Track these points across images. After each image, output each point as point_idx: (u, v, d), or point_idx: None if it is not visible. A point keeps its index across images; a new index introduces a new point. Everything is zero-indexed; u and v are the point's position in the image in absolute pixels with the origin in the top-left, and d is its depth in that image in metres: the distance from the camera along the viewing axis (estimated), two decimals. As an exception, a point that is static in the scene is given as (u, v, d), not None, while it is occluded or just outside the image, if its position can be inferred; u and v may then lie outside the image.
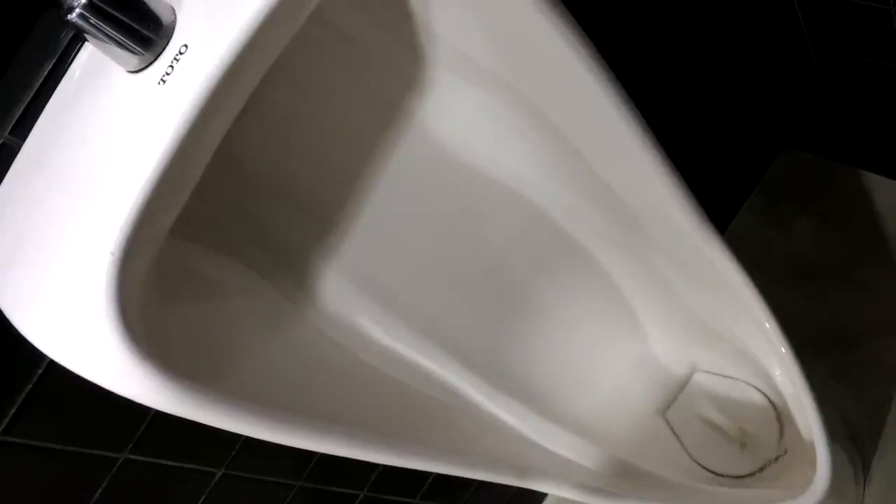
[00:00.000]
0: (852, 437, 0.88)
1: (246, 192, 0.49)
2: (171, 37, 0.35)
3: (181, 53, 0.35)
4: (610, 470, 0.75)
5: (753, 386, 0.84)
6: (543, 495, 1.01)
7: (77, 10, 0.34)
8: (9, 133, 0.41)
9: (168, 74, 0.35)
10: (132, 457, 0.57)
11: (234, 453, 0.63)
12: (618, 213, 0.68)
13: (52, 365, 0.49)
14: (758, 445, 0.82)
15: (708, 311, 0.78)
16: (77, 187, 0.37)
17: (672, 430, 0.87)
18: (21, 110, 0.41)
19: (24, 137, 0.41)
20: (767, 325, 0.63)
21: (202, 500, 0.64)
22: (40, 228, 0.37)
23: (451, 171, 0.59)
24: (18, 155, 0.41)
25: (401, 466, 0.50)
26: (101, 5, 0.34)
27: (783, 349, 0.67)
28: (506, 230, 0.66)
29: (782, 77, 0.90)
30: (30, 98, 0.41)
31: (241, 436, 0.63)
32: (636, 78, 0.80)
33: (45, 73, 0.41)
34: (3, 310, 0.37)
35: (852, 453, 0.87)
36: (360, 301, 0.57)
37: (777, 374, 0.73)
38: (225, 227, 0.48)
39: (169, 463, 0.60)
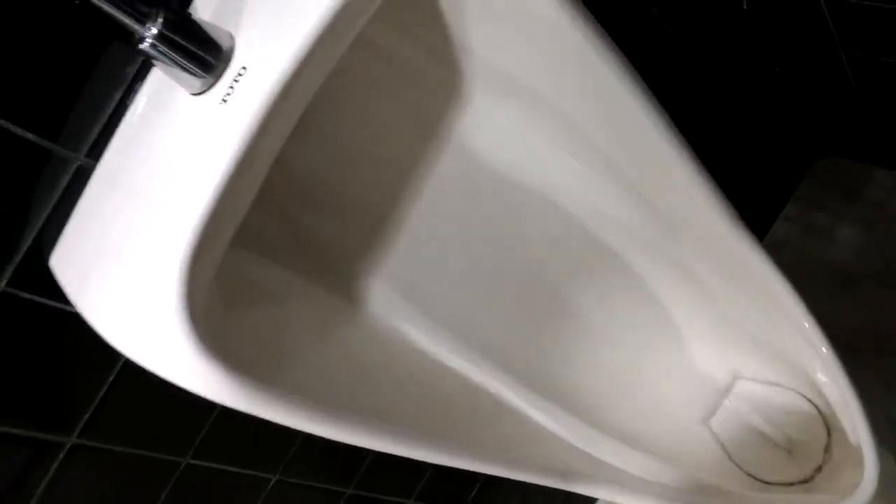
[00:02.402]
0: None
1: (299, 205, 0.53)
2: (230, 60, 0.39)
3: (240, 75, 0.38)
4: (656, 477, 0.75)
5: (797, 392, 0.84)
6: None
7: (148, 41, 0.37)
8: (84, 155, 0.45)
9: (229, 94, 0.38)
10: (193, 462, 0.60)
11: (288, 458, 0.66)
12: (653, 223, 0.69)
13: (122, 372, 0.53)
14: (805, 452, 0.81)
15: (748, 317, 0.78)
16: (148, 202, 0.40)
17: (716, 438, 0.87)
18: (95, 135, 0.45)
19: (97, 159, 0.45)
20: (807, 326, 0.64)
21: (258, 504, 0.67)
22: (116, 240, 0.41)
23: (489, 183, 0.61)
24: (93, 175, 0.45)
25: (444, 465, 0.51)
26: (170, 35, 0.37)
27: (825, 350, 0.67)
28: (544, 239, 0.68)
29: (816, 83, 0.91)
30: (103, 123, 0.45)
31: (294, 442, 0.66)
32: (673, 90, 0.81)
33: (116, 100, 0.45)
34: (84, 315, 0.41)
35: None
36: (404, 308, 0.59)
37: (820, 377, 0.73)
38: (280, 237, 0.51)
39: (227, 468, 0.63)
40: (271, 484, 0.67)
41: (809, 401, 0.83)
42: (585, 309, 0.77)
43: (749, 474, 0.83)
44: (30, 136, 0.43)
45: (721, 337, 0.83)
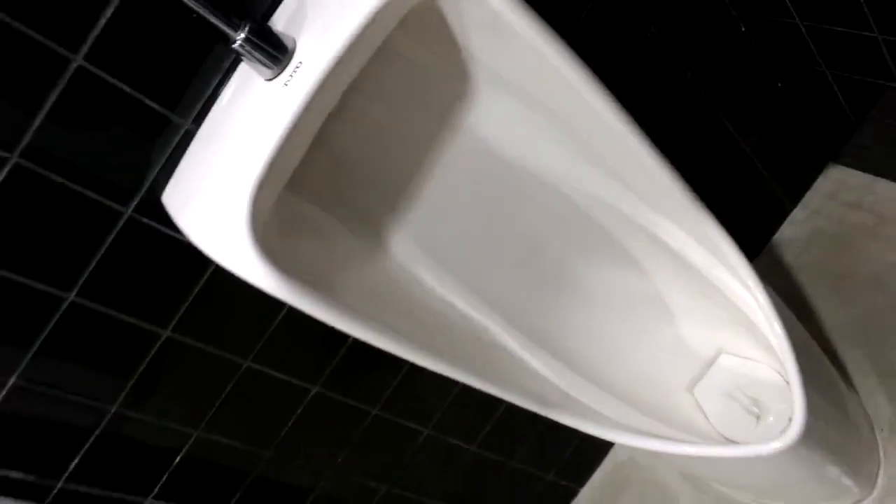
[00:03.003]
0: (871, 426, 0.96)
1: (340, 171, 0.70)
2: (292, 57, 0.56)
3: (297, 67, 0.56)
4: (633, 423, 0.88)
5: (770, 366, 0.95)
6: (610, 445, 1.15)
7: (238, 42, 0.55)
8: (191, 122, 0.64)
9: (289, 81, 0.56)
10: (252, 365, 0.79)
11: (328, 373, 0.83)
12: (637, 208, 0.82)
13: (205, 285, 0.71)
14: (771, 417, 0.93)
15: (729, 298, 0.90)
16: (231, 152, 0.58)
17: (698, 404, 0.99)
18: (199, 107, 0.64)
19: (199, 124, 0.63)
20: (764, 308, 0.75)
21: (300, 410, 0.84)
22: (208, 178, 0.59)
23: (494, 164, 0.76)
24: (196, 135, 0.63)
25: (446, 376, 0.66)
26: (254, 39, 0.55)
27: (778, 328, 0.77)
28: (543, 214, 0.82)
29: (813, 100, 1.02)
30: (205, 99, 0.63)
31: (333, 360, 0.83)
32: (696, 105, 0.94)
33: (215, 83, 0.63)
34: (183, 229, 0.59)
35: (871, 438, 0.95)
36: (422, 257, 0.76)
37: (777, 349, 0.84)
38: (326, 192, 0.69)
39: (277, 375, 0.81)
40: (311, 394, 0.84)
41: (780, 374, 0.94)
42: (583, 279, 0.91)
43: (723, 436, 0.95)
44: (156, 106, 0.62)
45: (709, 315, 0.95)
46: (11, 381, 0.66)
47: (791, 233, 1.15)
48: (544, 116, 0.72)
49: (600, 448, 1.17)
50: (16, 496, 0.72)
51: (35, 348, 0.66)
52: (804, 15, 0.83)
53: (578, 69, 0.62)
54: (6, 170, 0.58)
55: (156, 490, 0.80)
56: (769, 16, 0.87)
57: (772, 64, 0.98)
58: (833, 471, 0.87)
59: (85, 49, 0.57)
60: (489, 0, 0.55)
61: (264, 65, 0.57)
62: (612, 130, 0.68)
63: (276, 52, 0.56)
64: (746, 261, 0.77)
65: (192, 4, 0.53)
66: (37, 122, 0.58)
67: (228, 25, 0.55)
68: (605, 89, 0.64)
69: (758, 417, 0.94)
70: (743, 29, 0.94)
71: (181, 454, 0.79)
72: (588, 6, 0.81)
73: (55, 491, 0.74)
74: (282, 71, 0.57)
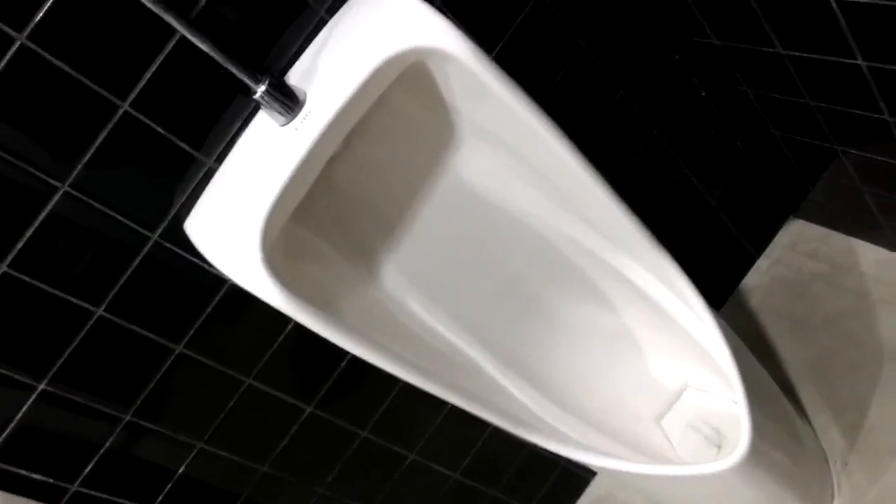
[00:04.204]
0: (826, 460, 1.03)
1: (341, 206, 0.80)
2: (302, 107, 0.67)
3: (306, 116, 0.66)
4: (601, 447, 0.95)
5: (731, 399, 1.03)
6: (588, 479, 1.21)
7: (259, 93, 0.66)
8: (214, 160, 0.74)
9: (299, 126, 0.66)
10: (255, 383, 0.87)
11: (322, 395, 0.91)
12: (606, 249, 0.91)
13: (216, 307, 0.80)
14: (732, 447, 1.00)
15: (690, 333, 0.98)
16: (248, 185, 0.68)
17: (665, 434, 1.06)
18: (222, 147, 0.74)
19: (221, 162, 0.73)
20: (711, 327, 0.83)
21: (294, 429, 0.92)
22: (226, 210, 0.69)
23: (478, 205, 0.86)
24: (217, 172, 0.73)
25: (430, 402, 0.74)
26: (272, 91, 0.66)
27: (732, 368, 0.84)
28: (521, 252, 0.92)
29: (771, 161, 1.13)
30: (227, 141, 0.74)
31: (330, 383, 0.91)
32: (667, 166, 1.04)
33: (236, 127, 0.74)
34: (204, 254, 0.68)
35: (825, 471, 1.02)
36: (410, 287, 0.85)
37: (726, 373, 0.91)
38: (327, 226, 0.78)
39: (276, 394, 0.89)
40: (305, 415, 0.92)
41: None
42: (559, 313, 0.99)
43: (686, 464, 1.02)
44: (184, 145, 0.72)
45: (674, 352, 1.03)
46: (41, 386, 0.74)
47: (755, 280, 1.24)
48: (521, 165, 0.83)
49: (579, 482, 1.23)
50: (34, 497, 0.79)
51: (64, 357, 0.75)
52: (751, 83, 0.94)
53: (549, 126, 0.72)
54: (56, 198, 0.68)
55: (160, 498, 0.87)
56: (723, 83, 0.99)
57: (731, 126, 1.10)
58: (786, 496, 0.94)
59: (132, 97, 0.68)
60: (469, 65, 0.66)
61: (280, 113, 0.67)
62: (580, 180, 0.77)
63: (289, 103, 0.66)
64: (699, 294, 0.86)
65: (221, 61, 0.64)
66: (86, 158, 0.68)
67: (251, 79, 0.65)
68: (572, 144, 0.73)
69: (719, 447, 1.01)
70: (703, 94, 1.06)
71: (184, 464, 0.86)
72: (561, 72, 0.93)
73: (69, 494, 0.81)
74: (293, 118, 0.67)
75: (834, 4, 0.67)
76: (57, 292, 0.71)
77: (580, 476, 1.22)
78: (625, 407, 1.06)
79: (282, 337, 0.86)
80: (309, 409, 0.92)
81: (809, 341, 1.12)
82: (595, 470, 1.21)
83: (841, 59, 0.75)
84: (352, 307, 0.78)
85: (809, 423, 1.06)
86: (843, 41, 0.71)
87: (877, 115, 0.80)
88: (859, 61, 0.73)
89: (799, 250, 1.21)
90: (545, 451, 0.91)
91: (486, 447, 1.10)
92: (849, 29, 0.69)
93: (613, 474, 1.12)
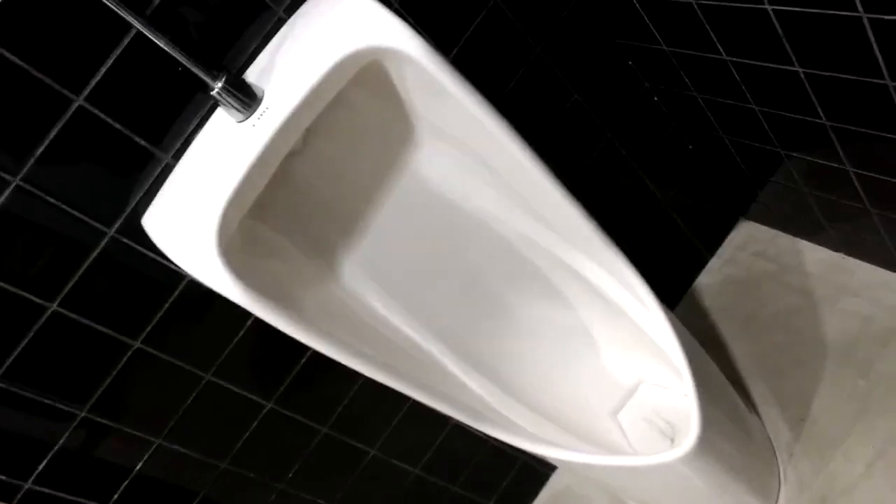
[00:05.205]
0: (773, 451, 1.07)
1: (300, 203, 0.81)
2: (260, 103, 0.68)
3: (263, 112, 0.67)
4: (558, 441, 0.97)
5: (684, 394, 1.06)
6: (548, 475, 1.23)
7: (216, 90, 0.67)
8: (172, 157, 0.74)
9: (256, 122, 0.67)
10: (213, 379, 0.87)
11: (282, 390, 0.92)
12: (560, 247, 0.94)
13: (173, 303, 0.80)
14: (684, 439, 1.03)
15: (643, 329, 1.01)
16: (205, 181, 0.69)
17: (621, 428, 1.09)
18: (179, 144, 0.74)
19: (178, 159, 0.74)
20: (660, 320, 0.86)
21: (255, 424, 0.92)
22: (184, 205, 0.69)
23: (436, 203, 0.88)
24: (174, 170, 0.74)
25: (391, 397, 0.75)
26: (229, 88, 0.67)
27: (683, 363, 0.87)
28: (479, 250, 0.94)
29: (721, 163, 1.16)
30: (185, 137, 0.74)
31: (291, 378, 0.92)
32: (617, 168, 1.08)
33: (195, 123, 0.74)
34: (161, 247, 0.69)
35: (773, 461, 1.06)
36: (368, 283, 0.86)
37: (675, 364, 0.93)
38: (286, 222, 0.79)
39: (235, 389, 0.89)
40: (265, 410, 0.92)
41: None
42: (516, 309, 1.01)
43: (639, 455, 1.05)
44: (142, 142, 0.73)
45: (629, 347, 1.06)
46: (-6, 381, 0.74)
47: (708, 280, 1.28)
48: (478, 164, 0.84)
49: (539, 477, 1.26)
50: (-14, 495, 0.78)
51: (16, 354, 0.74)
52: (699, 88, 0.98)
53: (503, 126, 0.74)
54: (7, 192, 0.68)
55: (115, 496, 0.86)
56: (673, 88, 1.02)
57: (682, 130, 1.13)
58: (735, 486, 0.97)
59: (86, 91, 0.68)
60: (425, 65, 0.68)
61: (237, 109, 0.68)
62: (534, 179, 0.79)
63: (247, 99, 0.67)
64: (652, 292, 0.88)
65: (179, 58, 0.64)
66: (38, 151, 0.68)
67: (208, 76, 0.66)
68: (526, 144, 0.75)
69: (672, 440, 1.04)
70: (655, 98, 1.09)
71: (142, 461, 0.86)
72: (517, 76, 0.96)
73: (22, 492, 0.80)
74: (250, 115, 0.68)
75: (771, 12, 0.71)
76: (8, 287, 0.71)
77: (540, 472, 1.24)
78: (581, 401, 1.08)
79: (241, 333, 0.86)
80: (269, 406, 0.93)
81: (758, 338, 1.16)
82: (553, 463, 1.23)
83: (780, 66, 0.78)
84: (311, 302, 0.79)
85: (758, 415, 1.10)
86: (781, 48, 0.75)
87: (816, 120, 0.84)
88: (796, 67, 0.77)
89: (749, 250, 1.25)
90: (505, 446, 0.93)
91: (447, 443, 1.12)
92: (784, 36, 0.73)
93: (570, 466, 1.14)
